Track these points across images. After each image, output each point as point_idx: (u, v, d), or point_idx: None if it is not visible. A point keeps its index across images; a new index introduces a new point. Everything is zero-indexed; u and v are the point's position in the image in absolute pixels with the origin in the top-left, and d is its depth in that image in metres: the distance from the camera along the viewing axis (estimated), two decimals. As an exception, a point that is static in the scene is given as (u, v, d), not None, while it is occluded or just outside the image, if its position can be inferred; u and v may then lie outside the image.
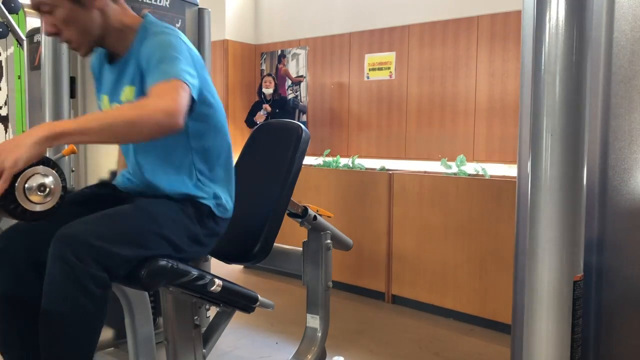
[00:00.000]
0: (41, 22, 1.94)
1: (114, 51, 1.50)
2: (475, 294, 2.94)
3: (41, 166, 1.27)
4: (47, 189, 1.26)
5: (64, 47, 1.93)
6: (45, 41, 1.90)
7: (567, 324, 1.06)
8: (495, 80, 3.90)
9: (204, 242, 1.51)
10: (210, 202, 1.51)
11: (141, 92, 1.41)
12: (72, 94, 2.07)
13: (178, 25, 2.50)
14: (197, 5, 2.61)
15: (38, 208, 1.25)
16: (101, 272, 1.25)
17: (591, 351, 1.42)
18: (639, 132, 1.34)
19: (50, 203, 1.27)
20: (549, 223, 1.05)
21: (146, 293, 1.65)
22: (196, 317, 1.58)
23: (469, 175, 3.16)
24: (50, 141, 1.15)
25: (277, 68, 5.35)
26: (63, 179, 1.31)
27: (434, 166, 3.61)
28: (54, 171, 1.29)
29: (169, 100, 1.25)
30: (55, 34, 1.41)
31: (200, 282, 1.43)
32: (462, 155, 3.32)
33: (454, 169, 3.24)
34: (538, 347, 1.07)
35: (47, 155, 1.40)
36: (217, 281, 1.45)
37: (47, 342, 1.27)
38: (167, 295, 1.54)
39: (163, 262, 1.36)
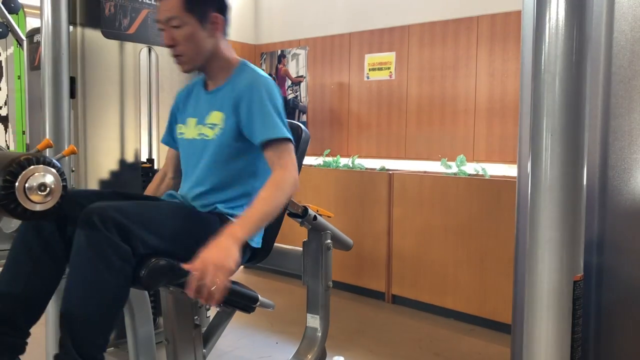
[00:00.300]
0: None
1: (212, 78, 1.70)
2: (475, 294, 2.94)
3: (42, 165, 1.26)
4: (48, 189, 1.26)
5: (64, 47, 1.92)
6: (45, 41, 1.89)
7: (567, 324, 1.06)
8: (495, 80, 3.90)
9: None
10: None
11: (230, 120, 1.58)
12: (72, 94, 2.07)
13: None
14: (197, 5, 2.61)
15: (38, 207, 1.25)
16: (123, 243, 1.28)
17: (591, 351, 1.42)
18: (639, 132, 1.34)
19: (50, 202, 1.27)
20: (549, 223, 1.04)
21: (146, 293, 1.65)
22: (196, 317, 1.58)
23: (469, 175, 3.16)
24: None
25: (277, 68, 5.35)
26: (63, 179, 1.31)
27: (434, 166, 3.60)
28: (54, 171, 1.29)
29: (292, 170, 1.50)
30: (171, 46, 1.59)
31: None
32: (462, 155, 3.32)
33: (454, 169, 3.24)
34: (538, 347, 1.07)
35: (47, 155, 1.40)
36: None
37: (66, 305, 1.30)
38: (167, 295, 1.54)
39: (164, 262, 1.36)
